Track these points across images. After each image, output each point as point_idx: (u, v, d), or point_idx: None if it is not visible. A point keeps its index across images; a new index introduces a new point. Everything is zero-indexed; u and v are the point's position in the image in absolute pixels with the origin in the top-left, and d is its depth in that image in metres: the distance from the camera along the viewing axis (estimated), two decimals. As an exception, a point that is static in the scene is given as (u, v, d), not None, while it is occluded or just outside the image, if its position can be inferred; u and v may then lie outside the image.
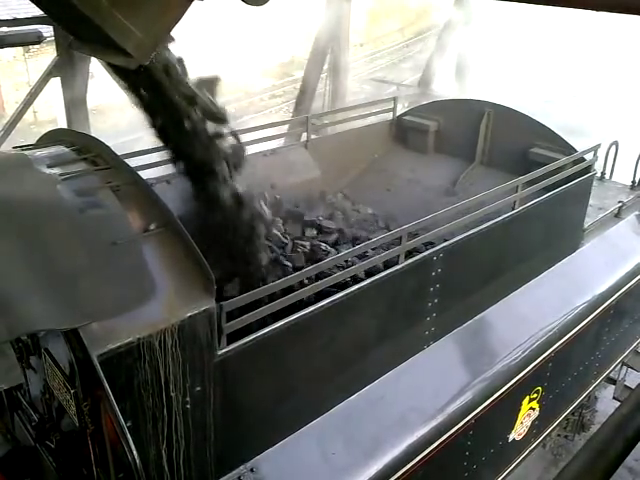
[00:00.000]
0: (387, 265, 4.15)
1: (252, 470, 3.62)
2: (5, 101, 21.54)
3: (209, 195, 3.85)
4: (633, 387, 8.32)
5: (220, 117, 3.74)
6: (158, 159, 4.57)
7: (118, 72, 3.26)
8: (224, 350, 3.20)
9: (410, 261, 4.17)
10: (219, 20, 9.76)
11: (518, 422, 5.51)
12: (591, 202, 6.27)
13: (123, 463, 2.92)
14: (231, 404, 3.37)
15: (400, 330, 4.40)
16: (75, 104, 7.54)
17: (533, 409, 5.67)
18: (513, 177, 5.12)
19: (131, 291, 2.85)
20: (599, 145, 6.03)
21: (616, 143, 7.31)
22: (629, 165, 7.48)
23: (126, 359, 2.80)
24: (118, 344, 2.74)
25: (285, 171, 6.03)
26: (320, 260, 4.16)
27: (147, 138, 3.84)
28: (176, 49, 3.32)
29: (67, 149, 3.32)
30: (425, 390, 4.43)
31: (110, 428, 2.94)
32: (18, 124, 7.60)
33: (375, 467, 3.94)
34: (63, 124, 7.89)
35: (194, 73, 3.55)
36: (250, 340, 3.33)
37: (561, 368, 5.82)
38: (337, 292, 3.78)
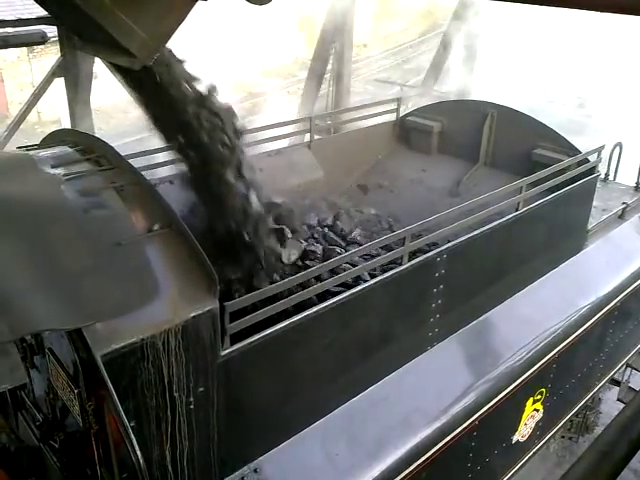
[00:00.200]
0: (391, 266, 4.14)
1: (255, 471, 3.61)
2: (9, 101, 21.60)
3: (213, 196, 3.85)
4: (637, 389, 8.30)
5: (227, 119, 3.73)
6: (162, 159, 4.58)
7: (122, 72, 3.26)
8: (228, 350, 3.20)
9: (414, 262, 4.16)
10: (219, 20, 9.77)
11: (522, 423, 5.50)
12: (595, 203, 6.26)
13: (127, 463, 2.92)
14: (235, 404, 3.37)
15: (404, 331, 4.39)
16: (79, 104, 7.55)
17: (537, 410, 5.65)
18: (517, 178, 5.12)
19: (134, 291, 2.85)
20: (603, 146, 6.03)
21: (620, 144, 7.30)
22: (633, 166, 7.46)
23: (130, 359, 2.80)
24: (122, 344, 2.74)
25: (289, 171, 6.03)
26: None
27: (151, 139, 3.84)
28: (179, 50, 3.33)
29: (71, 149, 3.32)
30: (429, 391, 4.42)
31: (114, 428, 2.94)
32: (22, 124, 7.63)
33: (378, 468, 3.93)
34: (67, 124, 7.91)
35: (195, 73, 3.55)
36: (254, 340, 3.32)
37: (565, 369, 5.80)
38: (341, 293, 3.78)
